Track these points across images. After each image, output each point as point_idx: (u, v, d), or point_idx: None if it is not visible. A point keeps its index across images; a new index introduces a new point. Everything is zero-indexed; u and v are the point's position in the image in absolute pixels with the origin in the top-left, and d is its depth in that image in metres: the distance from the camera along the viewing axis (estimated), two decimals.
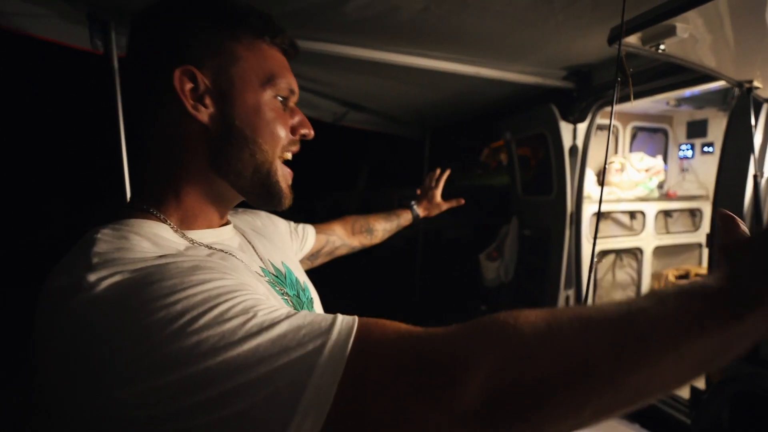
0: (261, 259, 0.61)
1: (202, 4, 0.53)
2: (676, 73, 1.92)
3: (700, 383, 1.75)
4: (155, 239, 0.46)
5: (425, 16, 1.51)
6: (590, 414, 0.32)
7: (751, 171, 1.50)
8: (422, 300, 4.44)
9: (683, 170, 2.94)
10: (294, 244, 0.88)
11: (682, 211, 2.78)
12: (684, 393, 1.86)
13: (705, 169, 2.80)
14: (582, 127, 2.42)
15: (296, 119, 0.58)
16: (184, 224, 0.52)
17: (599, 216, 0.96)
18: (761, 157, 1.53)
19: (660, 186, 2.94)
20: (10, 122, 6.81)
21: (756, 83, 1.40)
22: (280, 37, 0.56)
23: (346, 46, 1.85)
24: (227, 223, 0.61)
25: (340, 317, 0.36)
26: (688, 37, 1.12)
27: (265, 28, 0.54)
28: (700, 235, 2.76)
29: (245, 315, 0.35)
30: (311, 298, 0.68)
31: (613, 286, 2.63)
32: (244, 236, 0.63)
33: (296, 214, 0.87)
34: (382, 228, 1.16)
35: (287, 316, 0.36)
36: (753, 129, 1.48)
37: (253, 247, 0.63)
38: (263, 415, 0.32)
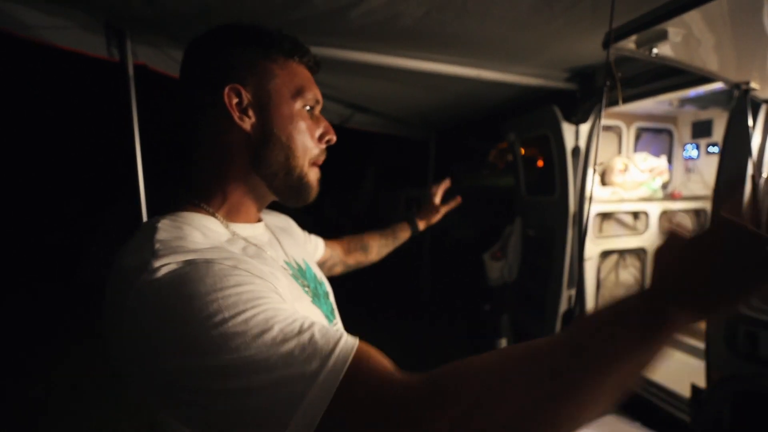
0: (286, 255, 0.70)
1: (243, 32, 0.62)
2: (678, 74, 1.94)
3: (701, 381, 1.76)
4: (204, 230, 0.55)
5: (427, 22, 1.56)
6: None
7: (750, 172, 1.52)
8: (429, 300, 4.48)
9: (688, 170, 2.94)
10: (308, 249, 0.96)
11: (686, 211, 2.78)
12: (685, 391, 1.87)
13: (710, 169, 2.80)
14: (584, 128, 2.44)
15: (321, 126, 0.67)
16: (228, 217, 0.61)
17: (586, 219, 1.00)
18: (759, 158, 1.55)
19: (665, 186, 2.94)
20: (32, 127, 7.03)
21: (753, 84, 1.42)
22: (306, 56, 0.66)
23: (350, 50, 1.90)
24: (260, 220, 0.69)
25: (342, 342, 0.41)
26: (682, 40, 1.15)
27: (294, 49, 0.64)
28: None
29: (265, 325, 0.41)
30: (327, 292, 0.76)
31: (616, 286, 2.64)
32: (273, 233, 0.72)
33: (304, 215, 0.92)
34: (377, 244, 1.18)
35: (299, 332, 0.41)
36: (751, 130, 1.50)
37: (280, 244, 0.71)
38: (261, 419, 0.38)
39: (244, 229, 0.63)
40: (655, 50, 1.16)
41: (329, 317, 0.70)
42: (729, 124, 1.66)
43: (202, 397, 0.40)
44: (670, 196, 2.83)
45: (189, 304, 0.42)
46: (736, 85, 1.44)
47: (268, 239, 0.67)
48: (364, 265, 1.19)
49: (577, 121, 2.47)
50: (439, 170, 4.22)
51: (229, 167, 0.61)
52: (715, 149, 2.75)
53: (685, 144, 2.96)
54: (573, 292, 2.51)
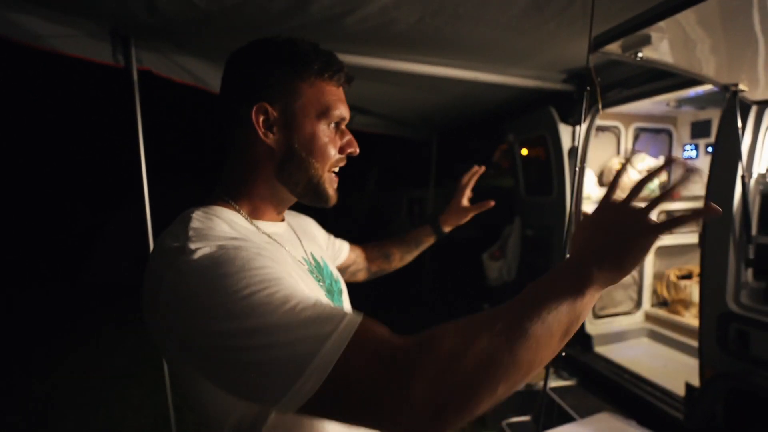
0: (304, 251, 0.76)
1: (277, 50, 0.66)
2: (671, 76, 1.96)
3: (694, 380, 1.78)
4: (231, 224, 0.63)
5: (421, 27, 1.60)
6: (504, 388, 0.45)
7: (740, 172, 1.54)
8: (430, 298, 4.51)
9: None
10: (329, 251, 0.99)
11: (685, 211, 2.78)
12: (680, 390, 1.89)
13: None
14: (581, 129, 2.46)
15: (345, 140, 0.71)
16: (252, 215, 0.69)
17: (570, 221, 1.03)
18: (750, 159, 1.57)
19: (664, 186, 2.95)
20: (42, 131, 7.17)
21: (741, 86, 1.44)
22: (337, 74, 0.68)
23: (348, 54, 1.94)
24: (283, 219, 0.76)
25: (350, 313, 0.49)
26: (666, 44, 1.17)
27: (324, 68, 0.67)
28: None
29: (285, 299, 0.49)
30: (341, 289, 0.82)
31: (614, 286, 2.65)
32: (294, 231, 0.79)
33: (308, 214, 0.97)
34: (399, 252, 1.16)
35: (314, 305, 0.49)
36: (740, 131, 1.52)
37: (300, 241, 0.78)
38: (283, 366, 0.46)
39: (266, 226, 0.70)
40: (640, 54, 1.19)
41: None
42: (720, 126, 1.68)
43: (232, 353, 0.47)
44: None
45: (221, 280, 0.49)
46: (725, 87, 1.46)
47: (288, 237, 0.74)
48: (386, 272, 1.16)
49: (573, 122, 2.49)
50: (441, 170, 4.25)
51: (254, 174, 0.68)
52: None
53: (685, 144, 2.97)
54: None
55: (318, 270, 0.75)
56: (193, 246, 0.53)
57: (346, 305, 0.82)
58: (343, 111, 0.69)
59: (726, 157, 1.63)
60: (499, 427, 2.30)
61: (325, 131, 0.67)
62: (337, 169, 0.72)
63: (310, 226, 0.96)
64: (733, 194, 1.58)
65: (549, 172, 2.59)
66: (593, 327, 2.58)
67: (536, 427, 2.27)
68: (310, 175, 0.67)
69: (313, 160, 0.67)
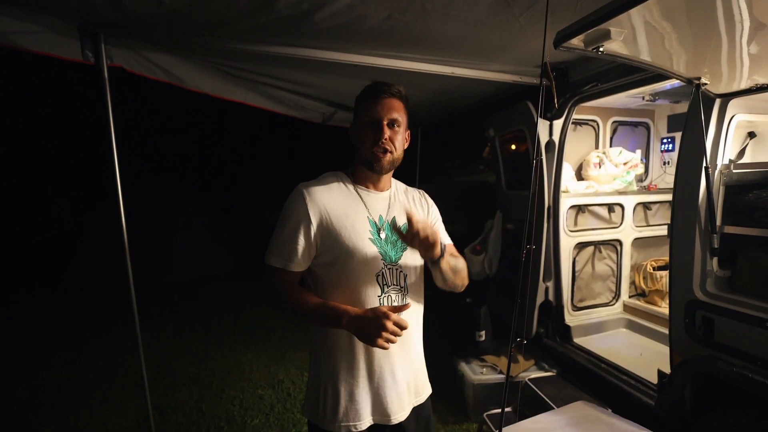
0: (387, 214, 1.12)
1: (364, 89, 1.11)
2: (643, 70, 1.99)
3: (667, 368, 1.82)
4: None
5: (391, 23, 1.61)
6: (290, 315, 1.05)
7: (704, 163, 1.58)
8: None
9: (664, 164, 3.00)
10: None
11: (661, 203, 2.84)
12: (652, 377, 1.94)
13: None
14: (558, 123, 2.49)
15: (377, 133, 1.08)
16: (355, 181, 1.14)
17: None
18: (714, 150, 1.60)
19: (641, 179, 3.01)
20: (20, 131, 7.00)
21: (704, 80, 1.47)
22: (377, 94, 1.08)
23: (322, 50, 1.95)
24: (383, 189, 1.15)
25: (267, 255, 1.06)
26: (627, 38, 1.19)
27: (368, 94, 1.09)
28: None
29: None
30: (405, 246, 1.10)
31: (592, 278, 2.70)
32: (390, 199, 1.15)
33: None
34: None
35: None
36: (704, 124, 1.55)
37: (389, 208, 1.13)
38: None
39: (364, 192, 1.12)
40: (602, 49, 1.21)
41: (387, 254, 1.06)
42: (687, 119, 1.72)
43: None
44: (646, 189, 2.89)
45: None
46: (689, 81, 1.49)
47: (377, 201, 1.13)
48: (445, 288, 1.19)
49: (551, 116, 2.52)
50: (425, 166, 4.26)
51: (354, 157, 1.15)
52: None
53: (662, 138, 3.03)
54: (549, 284, 2.57)
55: (383, 226, 1.09)
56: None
57: (402, 253, 1.09)
58: (373, 115, 1.06)
59: (692, 149, 1.67)
60: (481, 419, 2.33)
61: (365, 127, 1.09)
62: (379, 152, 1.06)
63: (414, 200, 1.22)
64: (699, 185, 1.62)
65: (528, 167, 2.61)
66: (572, 318, 2.63)
67: (516, 418, 2.31)
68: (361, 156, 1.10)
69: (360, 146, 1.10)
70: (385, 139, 1.04)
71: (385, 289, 1.05)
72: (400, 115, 1.07)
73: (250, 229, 6.93)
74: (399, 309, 0.93)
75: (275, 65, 2.22)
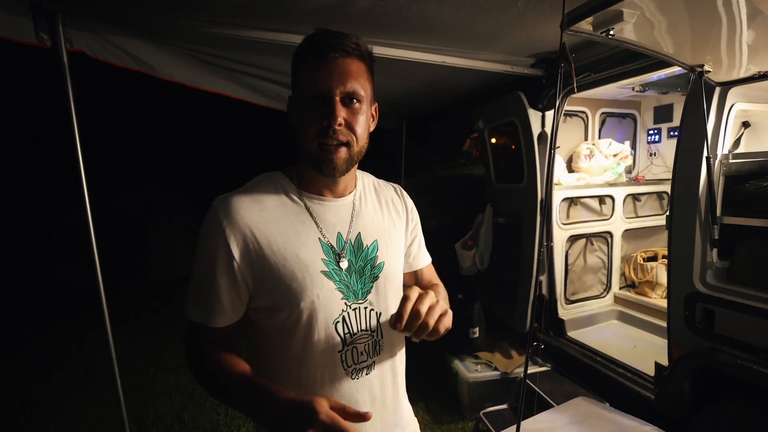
0: (349, 232, 0.79)
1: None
2: (637, 59, 1.96)
3: (663, 360, 1.81)
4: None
5: (384, 4, 1.50)
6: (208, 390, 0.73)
7: (705, 153, 1.55)
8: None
9: (651, 155, 3.01)
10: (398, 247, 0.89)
11: (650, 194, 2.85)
12: (649, 370, 1.93)
13: (671, 153, 2.85)
14: (550, 114, 2.44)
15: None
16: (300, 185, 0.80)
17: (549, 204, 0.97)
18: (714, 140, 1.58)
19: (629, 171, 3.01)
20: None
21: (707, 67, 1.43)
22: (323, 50, 0.71)
23: (303, 35, 1.82)
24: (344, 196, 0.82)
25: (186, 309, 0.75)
26: (638, 21, 1.13)
27: (311, 50, 0.72)
28: None
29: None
30: (376, 276, 0.80)
31: (584, 270, 2.69)
32: (353, 210, 0.82)
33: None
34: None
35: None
36: (705, 113, 1.52)
37: (351, 221, 0.81)
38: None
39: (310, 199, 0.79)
40: (612, 32, 1.15)
41: (349, 291, 0.75)
42: (686, 108, 1.69)
43: None
44: (635, 181, 2.89)
45: None
46: (692, 69, 1.45)
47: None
48: None
49: (543, 107, 2.47)
50: (411, 159, 4.18)
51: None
52: (676, 133, 2.82)
53: (648, 129, 3.03)
54: (543, 278, 2.54)
55: (341, 247, 0.77)
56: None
57: (372, 288, 0.79)
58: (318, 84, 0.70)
59: (691, 139, 1.64)
60: (477, 417, 2.29)
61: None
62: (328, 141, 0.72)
63: (396, 202, 0.92)
64: (699, 176, 1.59)
65: (519, 159, 2.56)
66: (566, 312, 2.61)
67: (513, 415, 2.28)
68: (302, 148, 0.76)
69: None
70: (339, 125, 0.70)
71: (349, 340, 0.74)
72: (361, 84, 0.72)
73: None
74: (354, 417, 0.56)
75: (256, 53, 2.07)
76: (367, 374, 0.77)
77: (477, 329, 2.59)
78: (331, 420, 0.53)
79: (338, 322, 0.73)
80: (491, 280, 2.93)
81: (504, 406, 2.33)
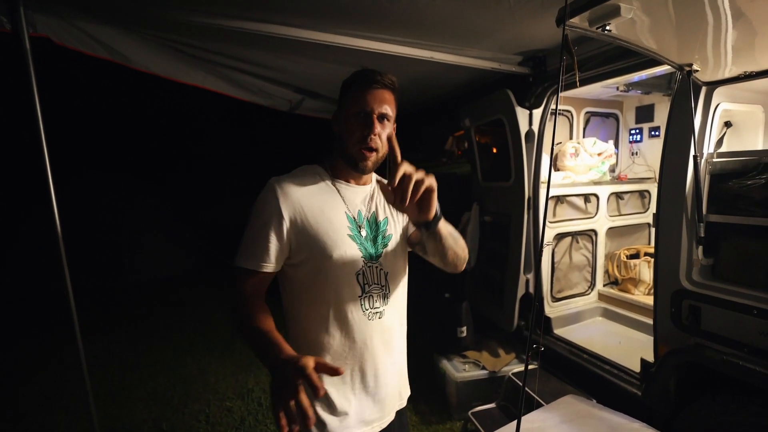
0: (366, 210, 1.04)
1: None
2: (624, 58, 1.97)
3: (648, 356, 1.83)
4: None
5: None
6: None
7: (692, 152, 1.56)
8: None
9: (633, 154, 3.07)
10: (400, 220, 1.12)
11: (632, 193, 2.90)
12: (634, 366, 1.95)
13: (652, 152, 2.93)
14: (537, 112, 2.44)
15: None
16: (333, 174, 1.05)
17: (545, 203, 0.94)
18: (701, 139, 1.60)
19: (612, 170, 3.05)
20: None
21: (695, 66, 1.44)
22: (368, 82, 0.97)
23: (289, 27, 1.75)
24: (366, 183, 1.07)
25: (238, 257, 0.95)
26: (633, 18, 1.12)
27: (359, 81, 0.98)
28: (649, 216, 2.90)
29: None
30: (386, 243, 1.04)
31: (570, 268, 2.71)
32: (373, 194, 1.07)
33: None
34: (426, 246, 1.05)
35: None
36: (693, 111, 1.53)
37: (372, 202, 1.06)
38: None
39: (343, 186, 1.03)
40: (608, 27, 1.13)
41: (367, 252, 0.99)
42: (672, 107, 1.70)
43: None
44: (617, 179, 2.94)
45: None
46: (680, 67, 1.46)
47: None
48: (438, 265, 1.09)
49: (530, 105, 2.47)
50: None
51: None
52: (657, 133, 2.89)
53: (630, 128, 3.09)
54: (530, 276, 2.54)
55: (361, 221, 1.01)
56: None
57: (383, 251, 1.02)
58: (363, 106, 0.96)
59: (678, 137, 1.66)
60: (466, 417, 2.27)
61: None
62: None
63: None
64: (686, 174, 1.60)
65: (507, 157, 2.56)
66: (552, 310, 2.62)
67: (502, 414, 2.27)
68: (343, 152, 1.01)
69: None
70: (375, 135, 0.95)
71: (366, 289, 0.98)
72: (391, 109, 0.98)
73: (212, 227, 6.48)
74: (329, 370, 0.68)
75: (237, 44, 1.98)
76: (380, 318, 1.00)
77: (464, 328, 2.57)
78: (304, 365, 0.66)
79: (359, 274, 0.97)
80: (478, 279, 2.92)
81: (492, 406, 2.32)
